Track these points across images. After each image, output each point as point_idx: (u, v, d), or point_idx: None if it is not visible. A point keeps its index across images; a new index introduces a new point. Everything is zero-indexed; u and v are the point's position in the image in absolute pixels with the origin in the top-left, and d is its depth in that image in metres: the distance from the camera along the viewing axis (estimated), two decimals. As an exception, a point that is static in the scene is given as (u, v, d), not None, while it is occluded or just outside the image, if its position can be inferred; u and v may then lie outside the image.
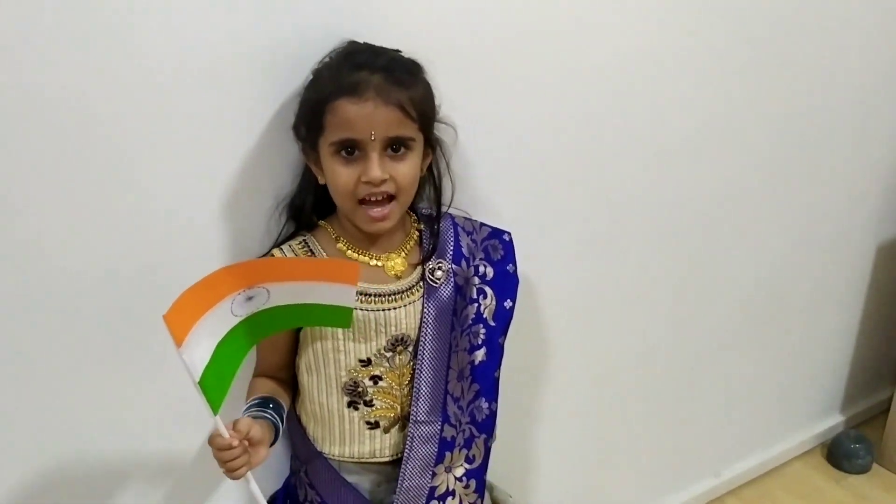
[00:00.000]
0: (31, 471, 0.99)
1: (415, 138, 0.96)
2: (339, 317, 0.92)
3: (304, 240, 1.02)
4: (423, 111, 0.96)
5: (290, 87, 0.99)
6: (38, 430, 0.98)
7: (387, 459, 1.07)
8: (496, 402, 1.09)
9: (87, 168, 0.90)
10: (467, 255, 1.08)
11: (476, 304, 1.07)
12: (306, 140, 0.98)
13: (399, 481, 1.03)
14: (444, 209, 1.09)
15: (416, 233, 1.08)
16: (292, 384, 1.09)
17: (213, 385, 0.80)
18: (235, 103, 0.97)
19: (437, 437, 1.05)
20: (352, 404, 1.04)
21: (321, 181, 0.99)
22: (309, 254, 1.01)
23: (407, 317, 1.03)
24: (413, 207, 1.09)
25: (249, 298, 0.85)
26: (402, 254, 1.04)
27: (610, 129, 1.33)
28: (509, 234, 1.13)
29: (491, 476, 1.16)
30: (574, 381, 1.50)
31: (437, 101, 1.01)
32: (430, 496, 1.05)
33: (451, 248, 1.08)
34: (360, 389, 1.03)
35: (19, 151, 0.86)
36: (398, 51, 0.97)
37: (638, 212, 1.44)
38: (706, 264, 1.61)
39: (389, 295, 1.02)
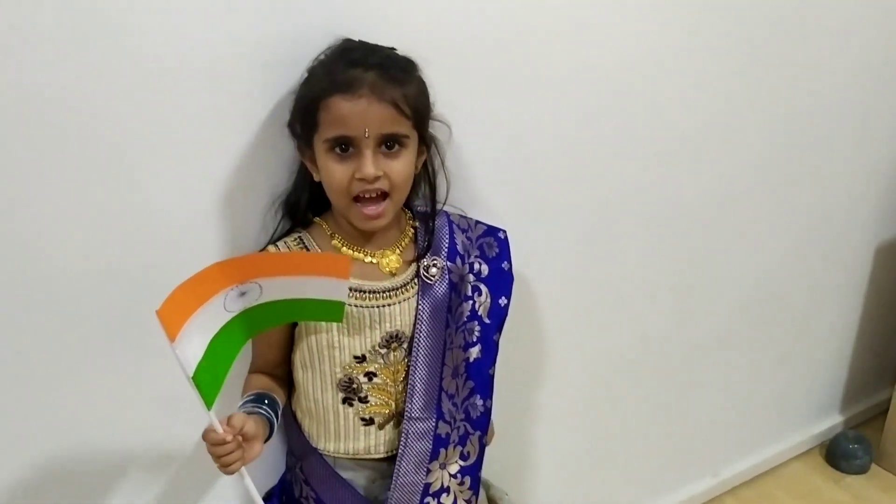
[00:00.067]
0: (28, 468, 1.00)
1: (409, 135, 0.96)
2: (332, 311, 0.92)
3: (299, 236, 1.03)
4: (417, 108, 0.96)
5: (286, 86, 0.99)
6: (36, 428, 0.99)
7: (381, 456, 1.07)
8: (491, 399, 1.09)
9: (85, 167, 0.91)
10: (462, 253, 1.09)
11: (471, 302, 1.07)
12: (301, 137, 0.98)
13: (394, 478, 1.03)
14: (438, 206, 1.10)
15: (412, 230, 1.08)
16: (288, 381, 1.09)
17: (206, 380, 0.81)
18: (232, 102, 0.97)
19: (432, 433, 1.05)
20: (346, 401, 1.04)
21: (316, 178, 0.99)
22: (304, 250, 1.01)
23: (402, 313, 1.03)
24: (408, 205, 1.09)
25: (242, 294, 0.85)
26: (397, 251, 1.05)
27: (608, 128, 1.32)
28: (504, 231, 1.13)
29: (487, 474, 1.16)
30: (572, 380, 1.50)
31: (431, 99, 1.01)
32: (425, 493, 1.05)
33: (446, 245, 1.08)
34: (354, 386, 1.03)
35: (19, 151, 0.87)
36: (393, 49, 0.97)
37: (636, 211, 1.43)
38: (705, 264, 1.61)
39: (384, 291, 1.02)
